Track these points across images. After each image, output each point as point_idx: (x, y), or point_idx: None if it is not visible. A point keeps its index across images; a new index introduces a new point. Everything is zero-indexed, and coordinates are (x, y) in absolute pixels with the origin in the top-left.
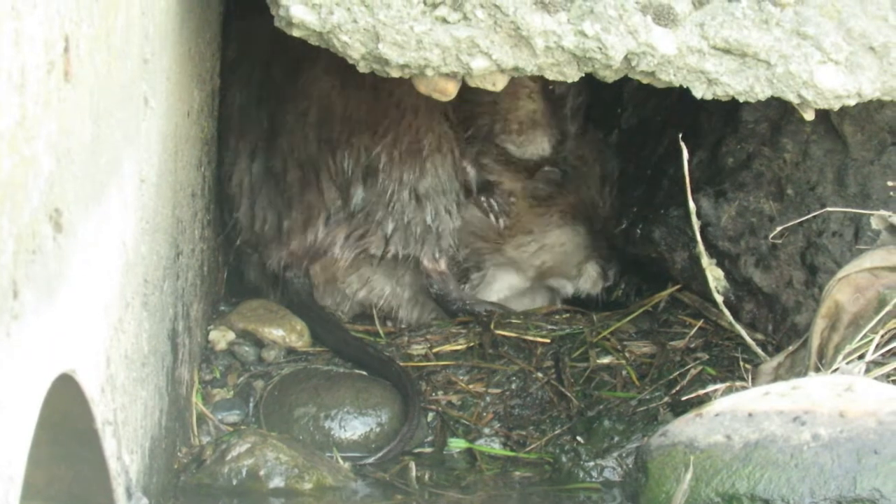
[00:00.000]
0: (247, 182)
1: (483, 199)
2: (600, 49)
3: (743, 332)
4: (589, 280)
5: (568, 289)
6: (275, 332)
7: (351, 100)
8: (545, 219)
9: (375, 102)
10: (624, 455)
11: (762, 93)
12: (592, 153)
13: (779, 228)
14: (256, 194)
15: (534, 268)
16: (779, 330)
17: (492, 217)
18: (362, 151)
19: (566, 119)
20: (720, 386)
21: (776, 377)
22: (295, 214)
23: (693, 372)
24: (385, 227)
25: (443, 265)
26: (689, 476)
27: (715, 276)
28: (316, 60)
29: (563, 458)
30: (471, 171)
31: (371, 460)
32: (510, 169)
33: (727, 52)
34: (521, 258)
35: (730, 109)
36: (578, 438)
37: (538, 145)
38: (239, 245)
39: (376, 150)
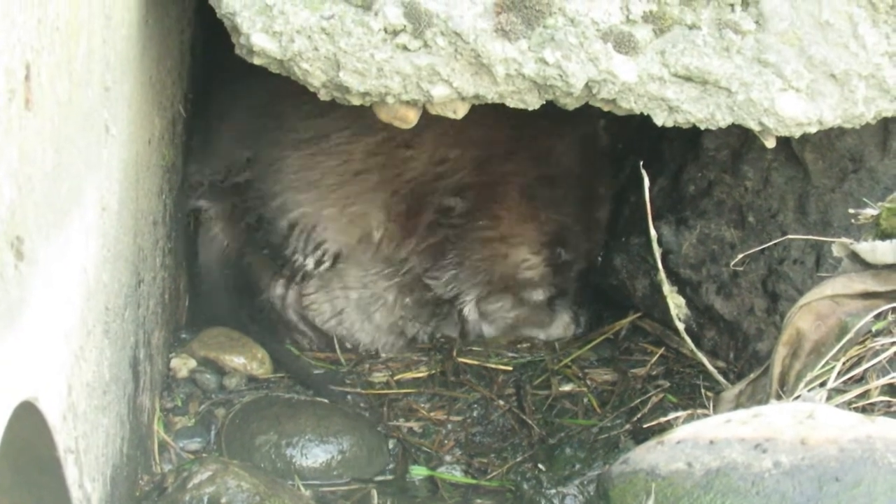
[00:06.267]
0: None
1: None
2: (561, 76)
3: (704, 360)
4: (561, 326)
5: (540, 336)
6: (236, 360)
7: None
8: None
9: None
10: (585, 482)
11: (723, 120)
12: None
13: (740, 256)
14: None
15: (506, 320)
16: (740, 357)
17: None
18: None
19: None
20: (681, 413)
21: (738, 404)
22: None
23: (654, 399)
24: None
25: None
26: (650, 503)
27: (676, 303)
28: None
29: (525, 486)
30: None
31: None
32: None
33: (688, 79)
34: (493, 312)
35: (691, 137)
36: (540, 466)
37: None
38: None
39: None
